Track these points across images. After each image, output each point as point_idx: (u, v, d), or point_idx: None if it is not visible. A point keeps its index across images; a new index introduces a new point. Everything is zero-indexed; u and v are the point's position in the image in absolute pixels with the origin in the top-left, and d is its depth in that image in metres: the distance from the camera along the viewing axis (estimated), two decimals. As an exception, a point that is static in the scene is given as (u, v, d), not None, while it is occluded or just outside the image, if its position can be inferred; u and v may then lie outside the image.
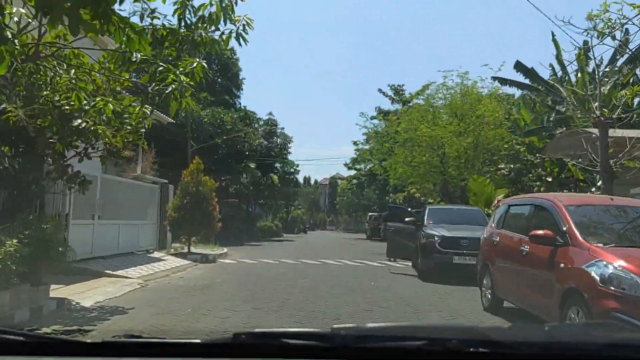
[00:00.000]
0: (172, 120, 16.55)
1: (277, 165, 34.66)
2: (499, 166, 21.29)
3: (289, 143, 34.18)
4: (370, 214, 47.49)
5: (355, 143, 43.19)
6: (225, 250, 18.94)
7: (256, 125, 32.13)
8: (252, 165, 29.44)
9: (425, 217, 12.67)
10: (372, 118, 39.14)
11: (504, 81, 19.53)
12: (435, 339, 1.45)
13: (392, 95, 39.03)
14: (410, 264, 14.11)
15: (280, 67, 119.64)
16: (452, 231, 11.64)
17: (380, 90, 39.69)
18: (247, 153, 27.76)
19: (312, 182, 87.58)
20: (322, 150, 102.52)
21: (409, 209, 14.50)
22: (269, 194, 34.79)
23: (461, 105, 20.85)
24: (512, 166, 20.30)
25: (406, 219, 12.84)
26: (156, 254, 14.61)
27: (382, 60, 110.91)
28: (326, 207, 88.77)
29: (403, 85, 39.33)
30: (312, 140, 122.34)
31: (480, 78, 20.86)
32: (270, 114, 33.96)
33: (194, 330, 5.21)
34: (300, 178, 55.45)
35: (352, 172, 45.68)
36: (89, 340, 1.45)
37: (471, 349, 1.40)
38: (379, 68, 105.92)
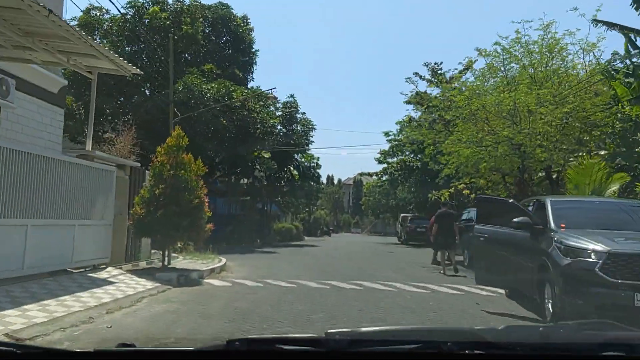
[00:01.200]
0: (138, 72, 11.44)
1: (297, 156, 29.36)
2: (592, 149, 15.62)
3: (311, 131, 28.87)
4: (403, 214, 41.91)
5: (386, 134, 37.68)
6: (224, 261, 13.75)
7: (273, 108, 26.91)
8: (267, 156, 24.24)
9: (551, 217, 7.18)
10: (407, 102, 33.61)
11: (611, 25, 13.90)
12: (429, 342, 1.43)
13: (430, 77, 33.37)
14: (503, 291, 8.70)
15: (301, 52, 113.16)
16: (623, 243, 6.16)
17: (416, 73, 34.02)
18: (260, 137, 22.51)
19: (335, 181, 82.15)
20: (347, 147, 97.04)
21: (510, 201, 8.90)
22: (287, 191, 29.51)
23: (545, 66, 15.26)
24: (618, 149, 14.63)
25: (516, 220, 7.34)
26: (106, 273, 9.46)
27: (420, 32, 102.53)
28: (350, 208, 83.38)
29: (441, 63, 33.48)
30: (336, 132, 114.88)
31: (568, 32, 15.17)
32: (292, 96, 28.68)
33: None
34: (321, 177, 50.18)
35: (376, 175, 39.88)
36: (79, 350, 1.45)
37: (466, 351, 1.37)
38: (416, 43, 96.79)
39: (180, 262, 13.26)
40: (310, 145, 28.75)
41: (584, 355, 1.45)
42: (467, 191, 25.27)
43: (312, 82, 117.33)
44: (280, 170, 27.10)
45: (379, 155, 36.28)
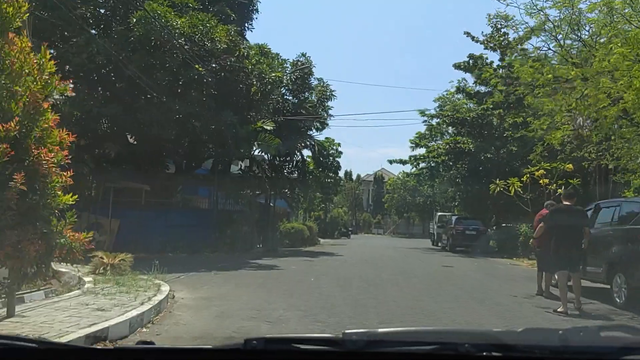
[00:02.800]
0: None
1: (312, 134, 22.29)
2: None
3: (329, 100, 21.84)
4: (440, 214, 34.70)
5: (422, 113, 30.60)
6: (164, 294, 6.92)
7: (279, 68, 19.94)
8: (269, 127, 17.25)
9: None
10: (457, 67, 26.48)
11: None
12: (447, 343, 1.43)
13: (488, 38, 25.99)
14: None
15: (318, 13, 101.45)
16: None
17: (467, 33, 26.58)
18: (255, 99, 15.55)
19: (354, 177, 74.63)
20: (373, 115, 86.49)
21: None
22: (297, 180, 22.42)
23: None
24: None
25: None
26: None
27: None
28: (370, 206, 76.17)
29: (510, 18, 25.89)
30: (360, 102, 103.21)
31: None
32: (304, 55, 21.56)
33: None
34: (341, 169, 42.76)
35: (410, 162, 32.10)
36: (100, 347, 1.54)
37: (484, 354, 1.38)
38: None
39: (53, 306, 6.36)
40: (328, 117, 21.67)
41: (604, 359, 1.42)
42: (546, 180, 18.11)
43: (332, 53, 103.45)
44: (288, 153, 20.14)
45: (414, 137, 29.13)
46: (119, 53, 14.00)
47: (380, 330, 1.56)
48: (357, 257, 18.40)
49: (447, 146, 24.66)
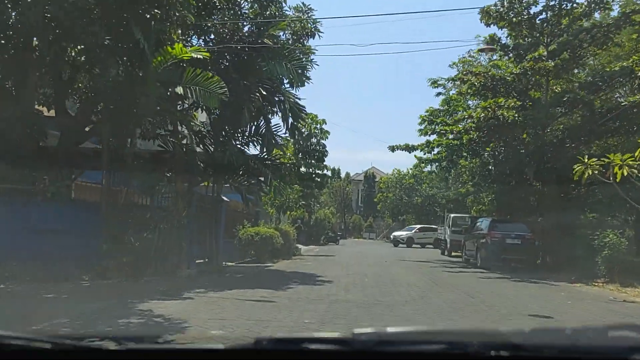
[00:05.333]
0: None
1: (286, 89, 14.39)
2: None
3: (311, 37, 14.13)
4: (453, 215, 27.16)
5: (434, 83, 23.12)
6: None
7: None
8: (200, 57, 9.40)
9: None
10: (484, 16, 18.92)
11: None
12: (456, 342, 1.43)
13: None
14: None
15: None
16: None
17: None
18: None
19: (343, 175, 66.79)
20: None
21: None
22: (260, 160, 14.40)
23: None
24: None
25: None
26: None
27: None
28: (360, 208, 68.63)
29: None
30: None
31: None
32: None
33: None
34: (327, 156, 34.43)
35: (424, 147, 24.03)
36: (112, 347, 1.45)
37: (492, 353, 1.38)
38: None
39: None
40: (310, 64, 13.95)
41: (612, 358, 1.42)
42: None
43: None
44: (240, 111, 12.24)
45: (425, 114, 21.47)
46: None
47: (389, 330, 1.50)
48: (356, 289, 10.62)
49: (484, 113, 16.67)
